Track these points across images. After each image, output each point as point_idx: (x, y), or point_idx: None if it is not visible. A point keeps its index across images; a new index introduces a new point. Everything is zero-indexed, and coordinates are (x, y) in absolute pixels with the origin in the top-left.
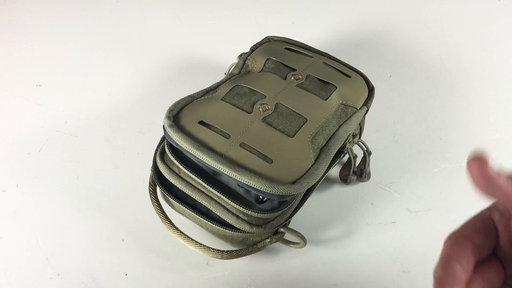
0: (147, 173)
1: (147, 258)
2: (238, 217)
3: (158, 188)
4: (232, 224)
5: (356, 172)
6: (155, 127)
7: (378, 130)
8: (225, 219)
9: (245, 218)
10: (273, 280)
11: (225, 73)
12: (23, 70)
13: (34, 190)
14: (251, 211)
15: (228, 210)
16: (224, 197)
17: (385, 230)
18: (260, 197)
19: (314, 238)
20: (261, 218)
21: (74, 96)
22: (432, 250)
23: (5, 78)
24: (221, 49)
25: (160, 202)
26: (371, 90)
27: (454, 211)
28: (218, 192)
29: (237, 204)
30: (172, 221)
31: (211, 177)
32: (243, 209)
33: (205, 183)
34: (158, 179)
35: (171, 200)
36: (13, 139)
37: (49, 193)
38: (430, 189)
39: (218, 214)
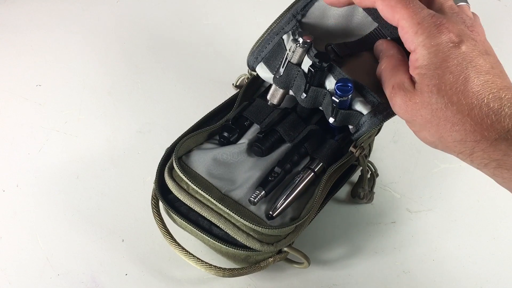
0: (147, 173)
1: (147, 258)
2: (248, 234)
3: (160, 203)
4: (242, 242)
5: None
6: (155, 127)
7: None
8: (234, 236)
9: (256, 236)
10: (272, 280)
11: (233, 84)
12: (23, 70)
13: (34, 190)
14: (261, 227)
15: (238, 227)
16: (234, 215)
17: (385, 230)
18: (270, 212)
19: (314, 239)
20: (272, 236)
21: (74, 96)
22: (432, 250)
23: (5, 78)
24: (221, 49)
25: (162, 216)
26: None
27: (454, 211)
28: (227, 209)
29: (247, 221)
30: (174, 237)
31: (220, 194)
32: (253, 225)
33: (215, 200)
34: (160, 193)
35: (173, 215)
36: (13, 139)
37: (49, 193)
38: (430, 189)
39: (227, 231)
